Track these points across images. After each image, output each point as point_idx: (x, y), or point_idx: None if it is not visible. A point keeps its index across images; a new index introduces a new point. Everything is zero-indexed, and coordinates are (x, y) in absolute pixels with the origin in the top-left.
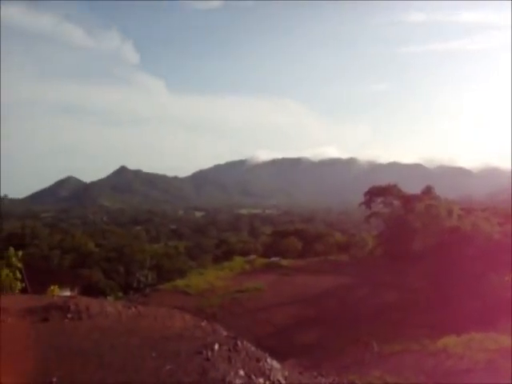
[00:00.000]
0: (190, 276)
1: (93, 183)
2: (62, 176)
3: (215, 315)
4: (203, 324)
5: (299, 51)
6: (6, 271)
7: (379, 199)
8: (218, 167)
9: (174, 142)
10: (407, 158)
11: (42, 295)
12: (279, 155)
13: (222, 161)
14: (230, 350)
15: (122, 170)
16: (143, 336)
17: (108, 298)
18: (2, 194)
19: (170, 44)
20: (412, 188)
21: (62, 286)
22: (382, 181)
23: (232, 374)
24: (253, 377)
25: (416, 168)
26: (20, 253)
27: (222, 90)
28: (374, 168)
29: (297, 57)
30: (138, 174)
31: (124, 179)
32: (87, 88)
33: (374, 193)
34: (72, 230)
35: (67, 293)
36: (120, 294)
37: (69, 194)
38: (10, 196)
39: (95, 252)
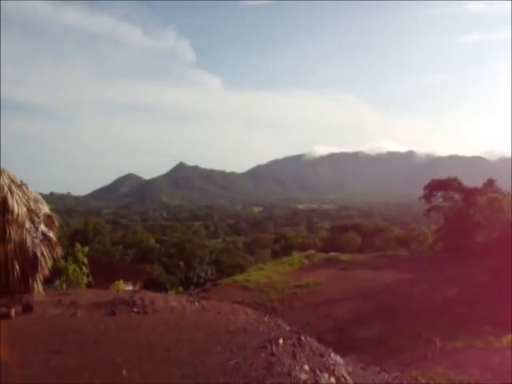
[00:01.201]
0: (250, 271)
1: (152, 180)
2: (123, 173)
3: (275, 310)
4: (266, 319)
5: (355, 45)
6: (73, 266)
7: (439, 193)
8: (275, 162)
9: (232, 137)
10: (467, 150)
11: (106, 290)
12: (336, 149)
13: (279, 156)
14: (294, 344)
15: (181, 166)
16: (208, 330)
17: (169, 292)
18: (66, 192)
19: (225, 41)
20: (473, 181)
21: (124, 280)
22: (441, 174)
23: (297, 368)
24: (317, 372)
25: (476, 161)
26: (86, 248)
27: (279, 85)
28: (433, 161)
29: (353, 51)
30: (196, 170)
31: (182, 175)
32: (146, 86)
33: (434, 186)
34: (132, 226)
35: (129, 287)
36: (180, 289)
37: (129, 191)
38: (73, 193)
39: (156, 247)
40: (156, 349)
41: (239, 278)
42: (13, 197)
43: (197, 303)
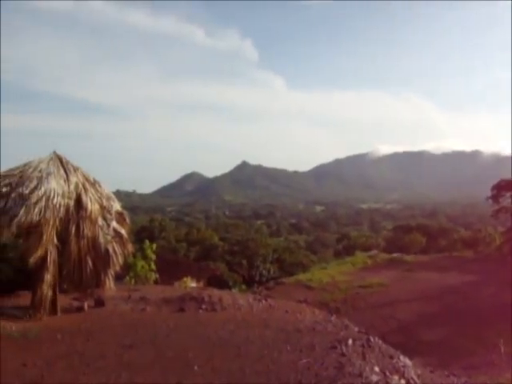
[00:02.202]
0: (313, 270)
1: (215, 178)
2: (187, 172)
3: (338, 310)
4: (333, 318)
5: (420, 43)
6: (141, 262)
7: (508, 193)
8: (338, 161)
9: (295, 136)
10: None
11: (172, 286)
12: (400, 149)
13: (342, 155)
14: (363, 345)
15: (243, 165)
16: (277, 328)
17: (232, 290)
18: (131, 190)
19: (288, 40)
20: None
21: (189, 277)
22: (508, 174)
23: (368, 369)
24: (387, 374)
25: None
26: (154, 245)
27: (343, 84)
28: (500, 160)
29: (418, 49)
30: (258, 168)
31: (245, 174)
32: (209, 86)
33: (503, 186)
34: (196, 224)
35: (193, 284)
36: (243, 287)
37: (192, 189)
38: (138, 191)
39: (219, 245)
40: (226, 345)
41: (302, 277)
42: (86, 194)
43: (264, 301)
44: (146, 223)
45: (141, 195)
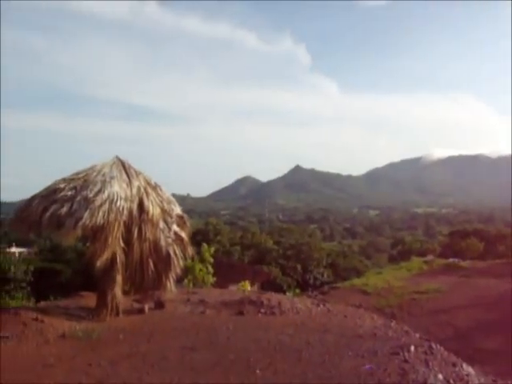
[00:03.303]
0: (368, 275)
1: (269, 182)
2: (241, 175)
3: (394, 315)
4: (393, 324)
5: (475, 46)
6: (199, 266)
7: None
8: (392, 165)
9: (348, 140)
10: None
11: (227, 289)
12: (455, 152)
13: (396, 158)
14: (426, 352)
15: (297, 169)
16: (337, 333)
17: (287, 294)
18: (185, 193)
19: (341, 44)
20: None
21: (242, 280)
22: None
23: (432, 377)
24: (451, 382)
25: None
26: (212, 249)
27: (396, 88)
28: None
29: (473, 52)
30: (312, 172)
31: (299, 178)
32: (263, 91)
33: None
34: (249, 228)
35: (248, 288)
36: (297, 291)
37: (246, 193)
38: (192, 195)
39: (273, 249)
40: (287, 350)
41: (357, 281)
42: (148, 198)
43: (322, 306)
44: (201, 226)
45: (195, 199)
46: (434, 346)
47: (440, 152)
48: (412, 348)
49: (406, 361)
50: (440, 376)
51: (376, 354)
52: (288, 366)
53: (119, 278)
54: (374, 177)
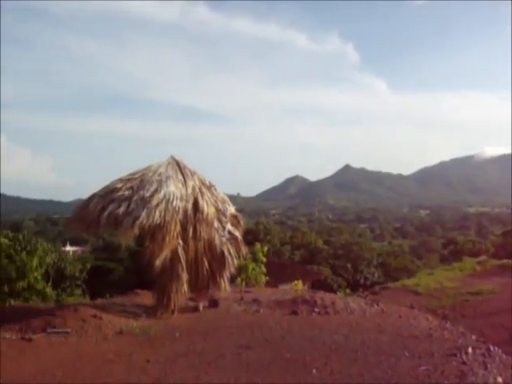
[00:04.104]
0: (419, 275)
1: (318, 181)
2: (290, 175)
3: (447, 317)
4: (448, 325)
5: None
6: (252, 265)
7: None
8: (443, 164)
9: (398, 139)
10: None
11: (278, 288)
12: (508, 150)
13: (447, 157)
14: (484, 354)
15: (347, 168)
16: (392, 334)
17: (338, 293)
18: (235, 193)
19: (390, 42)
20: None
21: (293, 280)
22: None
23: (491, 380)
24: None
25: None
26: (265, 248)
27: (446, 86)
28: None
29: None
30: (362, 172)
31: (348, 177)
32: (312, 90)
33: None
34: (299, 227)
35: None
36: (348, 291)
37: (296, 192)
38: (242, 194)
39: (324, 249)
40: (342, 349)
41: (408, 282)
42: (203, 198)
43: (376, 306)
44: (252, 226)
45: (245, 198)
46: (491, 348)
47: (492, 150)
48: (470, 350)
49: (463, 363)
50: (499, 379)
51: (433, 355)
52: (344, 366)
53: (184, 276)
54: (424, 176)
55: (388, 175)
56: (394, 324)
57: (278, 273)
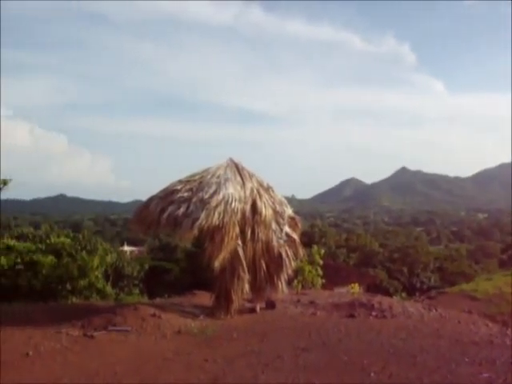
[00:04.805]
0: (477, 280)
1: (374, 184)
2: (346, 177)
3: (506, 323)
4: (509, 332)
5: None
6: (308, 267)
7: None
8: (503, 166)
9: (456, 141)
10: None
11: (333, 291)
12: None
13: (507, 159)
14: None
15: (403, 170)
16: (451, 339)
17: (394, 297)
18: (290, 195)
19: (447, 42)
20: None
21: (348, 283)
22: None
23: None
24: None
25: None
26: (322, 251)
27: (506, 87)
28: None
29: None
30: (418, 174)
31: (404, 180)
32: (367, 92)
33: None
34: (354, 230)
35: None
36: (404, 295)
37: (351, 195)
38: (297, 196)
39: (379, 252)
40: (400, 354)
41: (466, 287)
42: (261, 199)
43: (434, 310)
44: (307, 228)
45: (300, 200)
46: None
47: None
48: None
49: None
50: None
51: (494, 362)
52: (402, 370)
53: (245, 277)
54: (483, 178)
55: (445, 177)
56: (452, 329)
57: (334, 275)
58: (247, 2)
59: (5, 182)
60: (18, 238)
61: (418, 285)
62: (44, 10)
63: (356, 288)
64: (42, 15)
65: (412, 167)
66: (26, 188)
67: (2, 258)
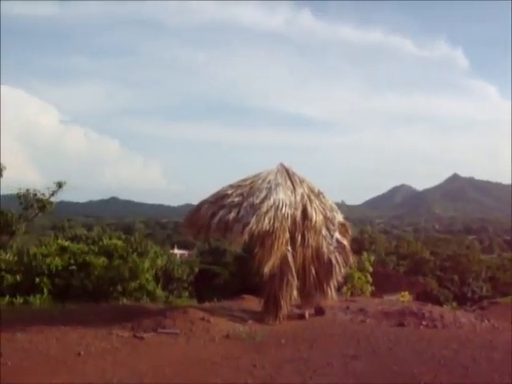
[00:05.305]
0: None
1: (425, 191)
2: (396, 184)
3: None
4: None
5: None
6: (358, 274)
7: None
8: None
9: (510, 148)
10: None
11: (382, 299)
12: None
13: None
14: None
15: (455, 177)
16: (505, 351)
17: (444, 306)
18: (340, 201)
19: (501, 47)
20: None
21: (398, 290)
22: None
23: None
24: None
25: None
26: (372, 258)
27: None
28: None
29: None
30: (470, 181)
31: (456, 187)
32: (418, 97)
33: None
34: (404, 237)
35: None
36: (454, 304)
37: (401, 201)
38: (347, 202)
39: (430, 260)
40: (452, 364)
41: None
42: (311, 205)
43: (486, 321)
44: (356, 235)
45: (349, 206)
46: None
47: None
48: None
49: None
50: None
51: None
52: (454, 381)
53: (294, 283)
54: None
55: (498, 185)
56: (506, 341)
57: (383, 283)
58: (297, 8)
59: (60, 185)
60: (72, 239)
61: (470, 294)
62: (99, 18)
63: (406, 296)
64: (97, 22)
65: (464, 174)
66: (81, 191)
67: (57, 258)
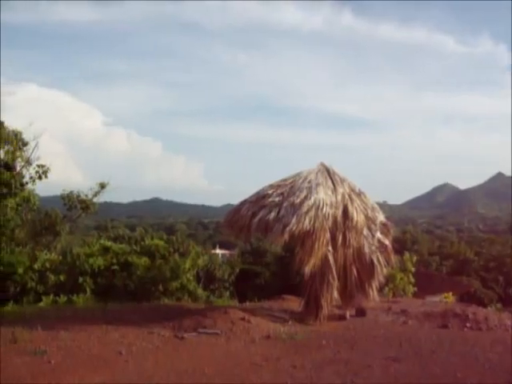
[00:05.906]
0: None
1: (468, 190)
2: (438, 183)
3: None
4: None
5: None
6: (400, 275)
7: None
8: None
9: None
10: None
11: (427, 300)
12: None
13: None
14: None
15: (499, 176)
16: None
17: (488, 308)
18: (382, 200)
19: None
20: None
21: (440, 291)
22: None
23: None
24: None
25: None
26: (415, 258)
27: None
28: None
29: None
30: None
31: (500, 186)
32: (461, 95)
33: None
34: (447, 237)
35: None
36: (499, 306)
37: (444, 201)
38: (389, 202)
39: (474, 260)
40: (497, 368)
41: None
42: (352, 205)
43: None
44: (398, 234)
45: (391, 206)
46: None
47: None
48: None
49: None
50: None
51: None
52: None
53: (334, 284)
54: None
55: None
56: None
57: (426, 283)
58: (339, 7)
59: (102, 186)
60: (115, 239)
61: None
62: (140, 21)
63: (450, 297)
64: (137, 26)
65: (509, 172)
66: (124, 191)
67: (99, 258)
